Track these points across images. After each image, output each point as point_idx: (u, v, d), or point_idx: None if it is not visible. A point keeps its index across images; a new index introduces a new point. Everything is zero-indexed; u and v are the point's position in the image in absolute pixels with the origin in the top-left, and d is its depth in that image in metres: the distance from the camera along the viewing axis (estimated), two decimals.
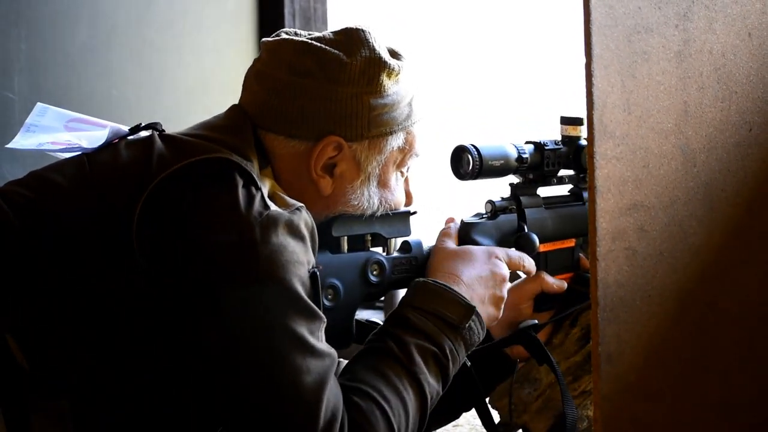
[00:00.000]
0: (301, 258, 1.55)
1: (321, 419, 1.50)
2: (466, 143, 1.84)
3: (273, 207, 1.56)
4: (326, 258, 1.75)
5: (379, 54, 1.72)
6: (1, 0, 2.85)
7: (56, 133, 1.75)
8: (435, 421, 1.79)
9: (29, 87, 2.90)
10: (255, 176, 1.59)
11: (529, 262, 1.88)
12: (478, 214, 1.92)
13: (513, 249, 1.87)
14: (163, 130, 1.71)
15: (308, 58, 1.71)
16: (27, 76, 2.90)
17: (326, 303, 1.73)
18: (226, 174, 1.57)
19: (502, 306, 1.81)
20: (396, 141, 1.76)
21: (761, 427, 1.54)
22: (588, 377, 1.92)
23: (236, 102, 1.78)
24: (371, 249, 1.82)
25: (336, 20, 3.57)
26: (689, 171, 1.48)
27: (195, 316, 1.52)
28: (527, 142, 1.91)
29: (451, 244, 1.84)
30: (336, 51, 1.71)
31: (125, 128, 1.72)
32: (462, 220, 1.89)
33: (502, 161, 1.85)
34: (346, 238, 1.78)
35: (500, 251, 1.84)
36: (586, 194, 1.98)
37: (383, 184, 1.77)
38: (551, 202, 1.96)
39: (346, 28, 1.75)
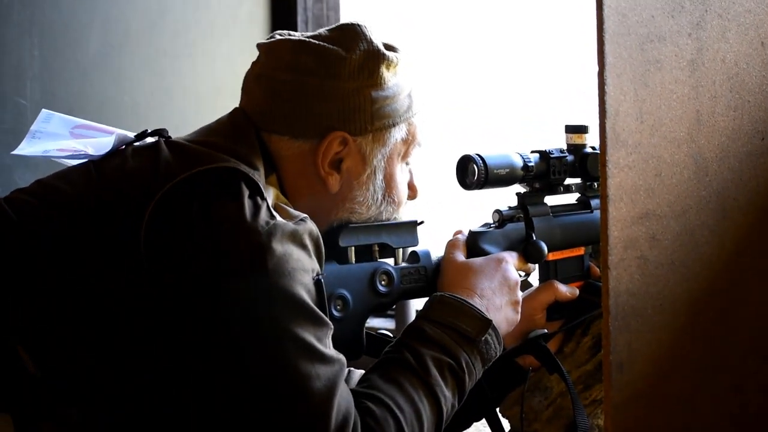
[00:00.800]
0: (305, 266, 1.55)
1: (332, 424, 1.50)
2: (472, 153, 1.84)
3: (278, 217, 1.57)
4: (334, 269, 1.75)
5: (377, 47, 1.72)
6: (15, 7, 2.86)
7: (62, 139, 1.75)
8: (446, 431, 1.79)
9: (42, 93, 2.91)
10: (261, 186, 1.59)
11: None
12: (486, 224, 1.92)
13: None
14: (169, 137, 1.71)
15: (307, 56, 1.71)
16: (39, 82, 2.91)
17: (335, 314, 1.73)
18: (233, 184, 1.57)
19: (519, 308, 1.82)
20: (399, 133, 1.76)
21: None
22: (599, 386, 1.92)
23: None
24: (379, 259, 1.83)
25: None
26: (701, 180, 1.47)
27: (201, 323, 1.51)
28: (533, 151, 1.91)
29: (460, 255, 1.84)
30: (334, 47, 1.71)
31: (131, 135, 1.72)
32: (470, 230, 1.89)
33: (508, 170, 1.85)
34: (353, 248, 1.78)
35: (507, 255, 1.84)
36: (593, 202, 1.98)
37: (389, 177, 1.78)
38: (559, 210, 1.96)
39: (341, 24, 1.76)
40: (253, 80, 1.76)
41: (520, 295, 1.82)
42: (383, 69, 1.72)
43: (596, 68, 1.38)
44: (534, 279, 1.96)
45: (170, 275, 1.51)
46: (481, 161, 1.82)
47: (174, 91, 3.25)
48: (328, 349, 1.55)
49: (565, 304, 1.93)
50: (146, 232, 1.52)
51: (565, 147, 1.94)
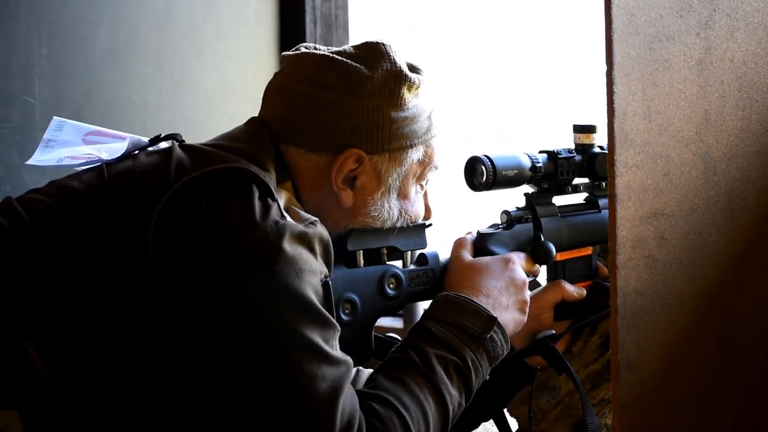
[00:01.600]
0: (314, 267, 1.55)
1: (336, 426, 1.50)
2: (480, 154, 1.84)
3: (288, 219, 1.57)
4: (343, 272, 1.75)
5: (400, 67, 1.72)
6: (23, 6, 2.87)
7: (75, 147, 1.76)
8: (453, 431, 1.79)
9: (50, 92, 2.91)
10: (272, 188, 1.59)
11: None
12: (494, 225, 1.92)
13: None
14: (183, 141, 1.72)
15: (329, 72, 1.71)
16: (48, 81, 2.91)
17: (344, 318, 1.73)
18: (244, 184, 1.57)
19: (527, 309, 1.82)
20: (416, 154, 1.76)
21: None
22: (607, 385, 1.92)
23: (256, 109, 1.79)
24: (387, 262, 1.83)
25: (357, 27, 3.56)
26: (710, 179, 1.47)
27: (205, 322, 1.51)
28: (541, 152, 1.90)
29: (467, 255, 1.84)
30: (357, 64, 1.71)
31: (145, 139, 1.73)
32: (478, 231, 1.89)
33: (516, 171, 1.85)
34: (362, 252, 1.78)
35: (514, 256, 1.84)
36: (601, 202, 1.98)
37: (403, 196, 1.78)
38: (567, 210, 1.96)
39: (367, 42, 1.75)
40: (274, 90, 1.76)
41: (527, 295, 1.82)
42: (404, 90, 1.73)
43: (604, 68, 1.38)
44: (542, 279, 1.96)
45: (176, 274, 1.51)
46: (489, 162, 1.82)
47: (182, 90, 3.26)
48: (335, 350, 1.55)
49: (573, 304, 1.93)
50: (155, 231, 1.52)
51: (572, 147, 1.94)
